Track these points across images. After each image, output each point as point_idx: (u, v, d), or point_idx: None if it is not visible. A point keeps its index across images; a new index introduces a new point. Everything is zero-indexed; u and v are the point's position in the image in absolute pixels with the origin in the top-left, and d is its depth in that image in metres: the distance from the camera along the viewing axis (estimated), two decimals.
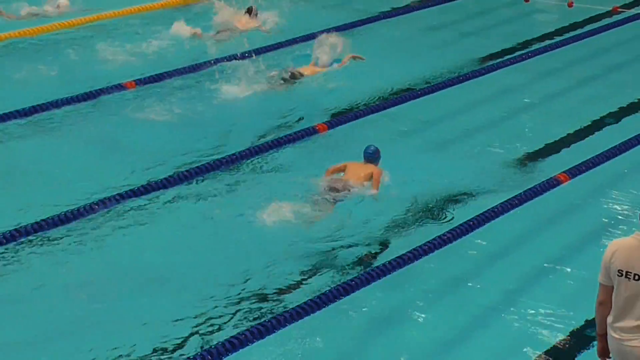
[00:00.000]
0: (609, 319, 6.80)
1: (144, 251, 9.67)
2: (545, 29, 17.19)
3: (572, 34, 17.14)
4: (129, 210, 10.32)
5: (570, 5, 17.77)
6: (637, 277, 6.65)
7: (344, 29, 15.77)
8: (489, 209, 10.26)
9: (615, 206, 10.90)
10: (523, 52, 15.96)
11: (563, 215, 10.66)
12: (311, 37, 15.07)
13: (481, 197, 10.87)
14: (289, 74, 13.85)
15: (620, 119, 13.41)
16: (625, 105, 13.82)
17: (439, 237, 9.58)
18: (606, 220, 10.50)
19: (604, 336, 6.94)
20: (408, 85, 14.06)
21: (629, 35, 17.15)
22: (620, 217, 10.63)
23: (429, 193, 10.78)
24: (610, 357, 7.01)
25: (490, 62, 15.27)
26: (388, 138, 12.04)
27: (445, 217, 10.34)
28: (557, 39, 16.74)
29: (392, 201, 10.59)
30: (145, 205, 10.48)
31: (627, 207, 10.86)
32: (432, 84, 14.06)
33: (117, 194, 10.41)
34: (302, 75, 13.96)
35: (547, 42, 16.59)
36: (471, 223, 10.03)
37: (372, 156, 10.87)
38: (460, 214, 10.33)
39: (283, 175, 11.10)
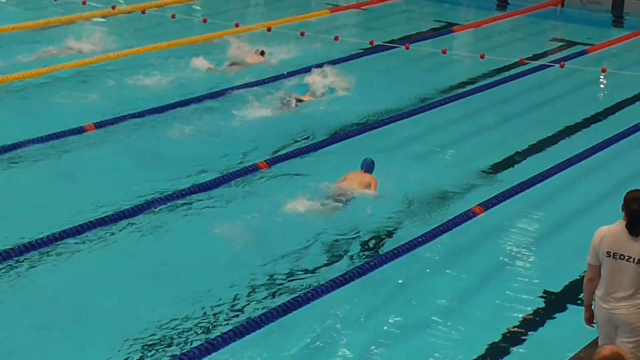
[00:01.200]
0: (598, 293, 7.62)
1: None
2: (461, 77, 18.64)
3: (484, 82, 18.44)
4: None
5: (482, 57, 18.83)
6: (622, 257, 7.51)
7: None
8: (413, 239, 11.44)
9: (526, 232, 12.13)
10: (442, 98, 17.19)
11: (479, 244, 11.71)
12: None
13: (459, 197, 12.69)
14: (293, 100, 16.09)
15: (527, 156, 14.74)
16: (529, 146, 15.14)
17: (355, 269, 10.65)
18: (515, 250, 11.57)
19: (590, 307, 7.78)
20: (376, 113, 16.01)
21: (534, 82, 18.70)
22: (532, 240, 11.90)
23: (413, 195, 12.73)
24: (594, 324, 7.82)
25: (413, 107, 16.53)
26: (375, 151, 13.90)
27: (426, 217, 12.19)
28: (471, 86, 18.05)
29: (386, 200, 12.56)
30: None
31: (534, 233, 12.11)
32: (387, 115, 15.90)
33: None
34: (302, 101, 16.23)
35: (464, 89, 17.86)
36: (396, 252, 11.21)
37: (369, 166, 12.87)
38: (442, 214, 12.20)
39: (301, 180, 13.05)
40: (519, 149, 15.13)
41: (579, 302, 10.11)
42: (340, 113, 16.07)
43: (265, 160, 13.63)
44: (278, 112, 15.83)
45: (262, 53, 18.67)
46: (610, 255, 7.58)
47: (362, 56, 19.57)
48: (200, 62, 17.80)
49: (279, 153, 14.11)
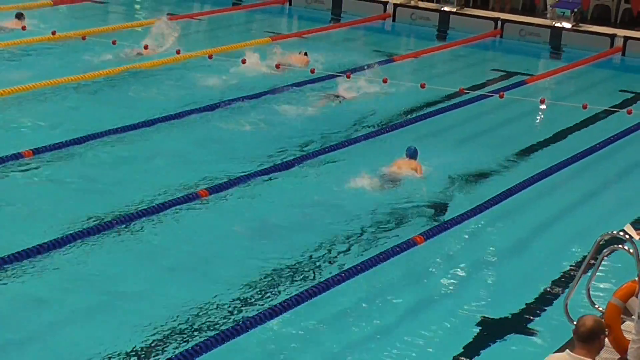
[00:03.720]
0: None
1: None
2: (402, 106, 18.92)
3: (424, 111, 18.85)
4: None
5: (422, 86, 18.63)
6: None
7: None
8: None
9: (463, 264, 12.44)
10: (381, 127, 17.55)
11: (416, 276, 11.99)
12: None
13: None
14: (334, 97, 18.72)
15: (466, 188, 14.90)
16: (469, 176, 15.35)
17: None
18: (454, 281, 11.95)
19: None
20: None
21: (474, 112, 19.09)
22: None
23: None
24: None
25: (355, 136, 16.99)
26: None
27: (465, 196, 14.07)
28: (412, 115, 18.49)
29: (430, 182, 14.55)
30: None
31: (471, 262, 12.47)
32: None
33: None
34: (344, 98, 18.83)
35: (405, 118, 18.25)
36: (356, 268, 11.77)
37: (414, 153, 15.08)
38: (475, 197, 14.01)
39: (361, 163, 15.11)
40: (458, 179, 15.35)
41: (518, 331, 10.40)
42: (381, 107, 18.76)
43: (205, 190, 14.12)
44: (323, 106, 18.33)
45: (306, 53, 21.01)
46: None
47: (303, 84, 19.80)
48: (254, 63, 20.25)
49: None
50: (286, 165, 15.33)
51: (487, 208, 14.19)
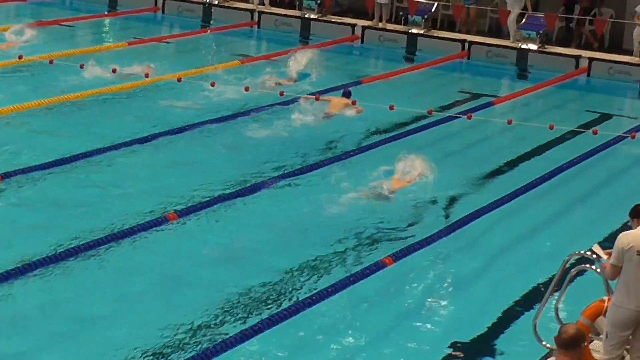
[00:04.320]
0: (619, 297, 8.58)
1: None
2: (371, 129, 18.96)
3: (395, 132, 18.86)
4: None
5: (391, 108, 18.64)
6: None
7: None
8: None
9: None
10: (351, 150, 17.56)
11: (385, 298, 12.03)
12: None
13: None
14: (303, 119, 18.85)
15: (434, 210, 14.96)
16: (436, 197, 15.39)
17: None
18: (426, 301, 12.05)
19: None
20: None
21: (442, 133, 19.15)
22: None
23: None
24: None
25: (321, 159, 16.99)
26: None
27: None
28: (383, 136, 18.50)
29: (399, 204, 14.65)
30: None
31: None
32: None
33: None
34: (312, 120, 18.95)
35: (374, 140, 18.29)
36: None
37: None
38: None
39: (330, 185, 15.32)
40: (427, 200, 15.42)
41: (488, 352, 10.49)
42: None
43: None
44: (289, 131, 18.47)
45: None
46: None
47: (270, 107, 19.87)
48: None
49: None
50: (255, 188, 15.31)
51: (456, 229, 14.25)
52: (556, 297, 9.99)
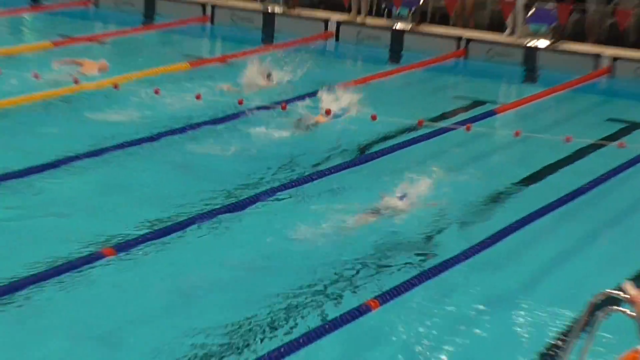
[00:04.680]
0: None
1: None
2: (350, 143, 19.25)
3: (378, 147, 19.04)
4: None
5: (373, 118, 19.26)
6: None
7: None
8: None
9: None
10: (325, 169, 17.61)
11: (374, 342, 12.06)
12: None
13: None
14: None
15: (438, 238, 15.13)
16: (450, 217, 15.66)
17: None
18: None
19: None
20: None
21: (436, 148, 19.25)
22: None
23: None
24: None
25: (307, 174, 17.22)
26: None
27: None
28: (364, 152, 18.70)
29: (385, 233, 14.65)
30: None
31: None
32: None
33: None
34: (318, 122, 19.31)
35: (352, 156, 18.43)
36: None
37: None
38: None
39: (299, 210, 15.29)
40: (418, 234, 15.35)
41: None
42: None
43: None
44: (297, 131, 19.05)
45: (269, 76, 22.23)
46: None
47: (229, 119, 19.92)
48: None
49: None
50: (206, 216, 15.15)
51: (461, 261, 14.17)
52: (582, 347, 9.77)
